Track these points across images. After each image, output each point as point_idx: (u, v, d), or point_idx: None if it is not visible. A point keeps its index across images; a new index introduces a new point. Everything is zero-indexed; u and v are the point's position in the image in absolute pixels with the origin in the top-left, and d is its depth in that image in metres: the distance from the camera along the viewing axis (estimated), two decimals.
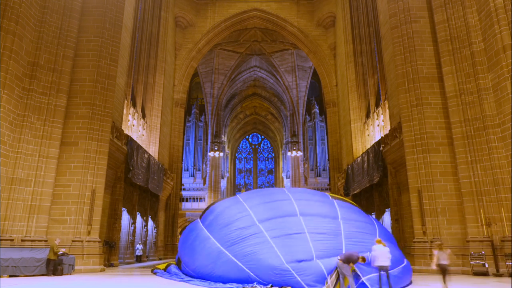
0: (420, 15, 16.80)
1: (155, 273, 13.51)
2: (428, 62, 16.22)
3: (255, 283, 9.78)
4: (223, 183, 46.24)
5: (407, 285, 10.66)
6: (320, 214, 11.69)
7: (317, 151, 40.63)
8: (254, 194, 14.30)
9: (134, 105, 24.22)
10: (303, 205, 12.11)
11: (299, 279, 9.27)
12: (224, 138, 47.24)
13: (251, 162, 60.13)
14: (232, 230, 11.29)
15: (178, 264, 13.52)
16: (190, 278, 11.62)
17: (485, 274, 12.82)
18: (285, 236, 10.59)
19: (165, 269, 13.76)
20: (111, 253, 17.96)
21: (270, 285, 9.52)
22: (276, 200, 12.60)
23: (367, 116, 25.60)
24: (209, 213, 13.27)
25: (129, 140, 19.49)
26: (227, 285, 10.04)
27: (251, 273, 10.00)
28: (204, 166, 40.87)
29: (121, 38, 17.76)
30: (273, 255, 9.97)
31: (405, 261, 10.88)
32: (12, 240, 13.63)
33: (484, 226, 13.33)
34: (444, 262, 9.09)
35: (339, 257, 9.11)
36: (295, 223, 11.10)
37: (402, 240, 17.17)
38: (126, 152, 18.93)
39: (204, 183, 39.77)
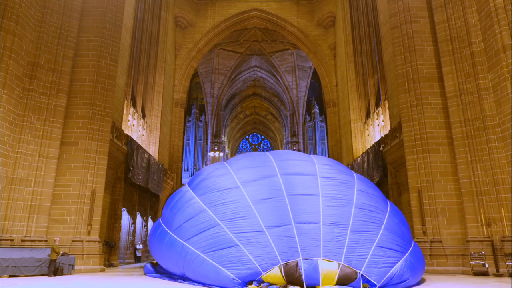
0: (420, 15, 16.81)
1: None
2: (428, 62, 16.22)
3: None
4: None
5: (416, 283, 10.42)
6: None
7: (317, 151, 40.63)
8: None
9: (134, 105, 24.22)
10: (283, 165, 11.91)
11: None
12: (224, 138, 47.25)
13: None
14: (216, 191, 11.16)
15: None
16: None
17: (485, 274, 12.83)
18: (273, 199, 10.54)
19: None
20: (111, 253, 17.96)
21: None
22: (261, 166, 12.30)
23: (367, 116, 25.60)
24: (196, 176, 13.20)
25: (129, 140, 19.49)
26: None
27: (230, 233, 9.80)
28: (204, 166, 40.89)
29: (121, 38, 17.77)
30: (255, 220, 9.90)
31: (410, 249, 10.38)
32: (12, 240, 13.64)
33: (484, 226, 13.33)
34: None
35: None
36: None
37: None
38: (126, 152, 18.94)
39: None
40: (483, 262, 12.98)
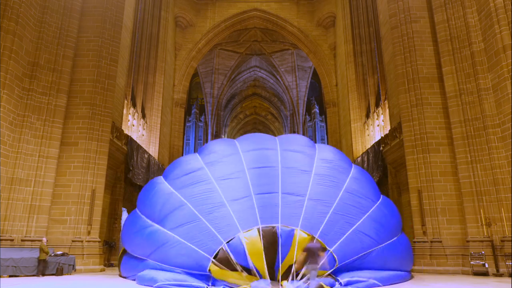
0: (420, 15, 16.81)
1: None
2: (428, 62, 16.22)
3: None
4: None
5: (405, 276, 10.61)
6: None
7: None
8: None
9: (134, 105, 24.22)
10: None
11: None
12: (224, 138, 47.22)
13: None
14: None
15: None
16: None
17: (485, 274, 12.83)
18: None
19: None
20: (111, 253, 17.97)
21: None
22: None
23: (367, 116, 25.59)
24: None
25: (129, 140, 19.49)
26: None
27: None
28: None
29: (121, 38, 17.77)
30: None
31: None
32: (12, 240, 13.64)
33: (484, 226, 13.34)
34: None
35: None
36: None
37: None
38: (126, 152, 18.94)
39: None
40: (483, 262, 12.98)
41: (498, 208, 13.30)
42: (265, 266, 8.91)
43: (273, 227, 9.27)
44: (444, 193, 14.71)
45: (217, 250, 9.25)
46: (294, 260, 8.79)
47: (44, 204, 14.53)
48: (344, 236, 9.61)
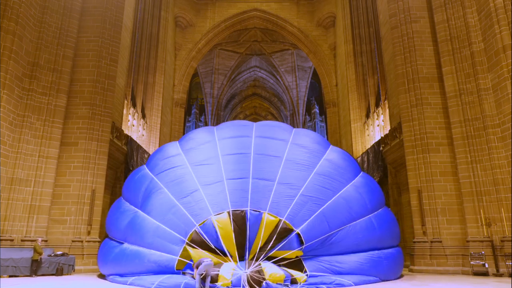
0: (420, 15, 16.80)
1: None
2: (428, 62, 16.22)
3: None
4: None
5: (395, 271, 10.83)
6: None
7: None
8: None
9: (134, 105, 24.22)
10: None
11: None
12: None
13: None
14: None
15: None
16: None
17: (485, 274, 12.83)
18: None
19: None
20: None
21: None
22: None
23: (367, 116, 25.59)
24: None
25: (129, 140, 19.49)
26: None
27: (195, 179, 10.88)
28: None
29: (121, 38, 17.77)
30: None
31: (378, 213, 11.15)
32: (12, 240, 13.63)
33: (484, 226, 13.34)
34: None
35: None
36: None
37: (402, 240, 17.13)
38: (126, 152, 18.93)
39: None
40: (483, 262, 12.98)
41: (498, 208, 13.30)
42: (235, 248, 9.49)
43: (242, 211, 9.80)
44: (444, 193, 14.70)
45: (191, 232, 9.75)
46: (260, 243, 9.44)
47: (44, 204, 14.52)
48: (311, 218, 10.00)
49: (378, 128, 23.17)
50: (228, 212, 9.76)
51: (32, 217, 14.16)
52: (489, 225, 13.20)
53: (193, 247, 9.56)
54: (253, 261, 9.32)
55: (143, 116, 25.99)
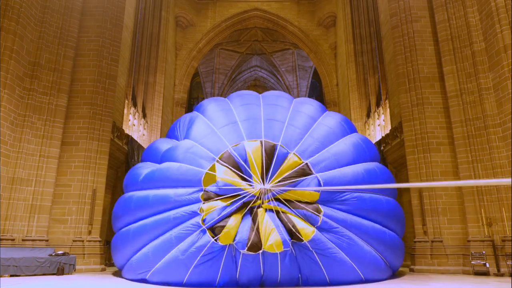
0: (421, 15, 16.79)
1: None
2: (429, 62, 16.20)
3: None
4: None
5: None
6: None
7: None
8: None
9: (134, 104, 24.23)
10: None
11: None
12: None
13: None
14: None
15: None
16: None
17: (486, 274, 12.83)
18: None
19: None
20: None
21: None
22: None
23: (368, 115, 25.58)
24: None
25: (130, 140, 19.50)
26: None
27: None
28: None
29: (122, 38, 17.78)
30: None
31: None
32: (13, 239, 13.66)
33: (485, 226, 13.33)
34: None
35: None
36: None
37: (403, 240, 17.13)
38: (126, 152, 18.95)
39: None
40: (484, 262, 12.97)
41: (499, 208, 13.29)
42: (261, 172, 9.91)
43: (274, 144, 10.29)
44: (445, 192, 14.70)
45: (222, 152, 10.22)
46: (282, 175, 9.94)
47: (45, 203, 14.55)
48: (303, 140, 10.77)
49: (378, 127, 23.17)
50: (261, 141, 10.28)
51: (33, 216, 14.18)
52: (490, 225, 13.19)
53: (223, 164, 10.00)
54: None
55: (144, 116, 26.00)
